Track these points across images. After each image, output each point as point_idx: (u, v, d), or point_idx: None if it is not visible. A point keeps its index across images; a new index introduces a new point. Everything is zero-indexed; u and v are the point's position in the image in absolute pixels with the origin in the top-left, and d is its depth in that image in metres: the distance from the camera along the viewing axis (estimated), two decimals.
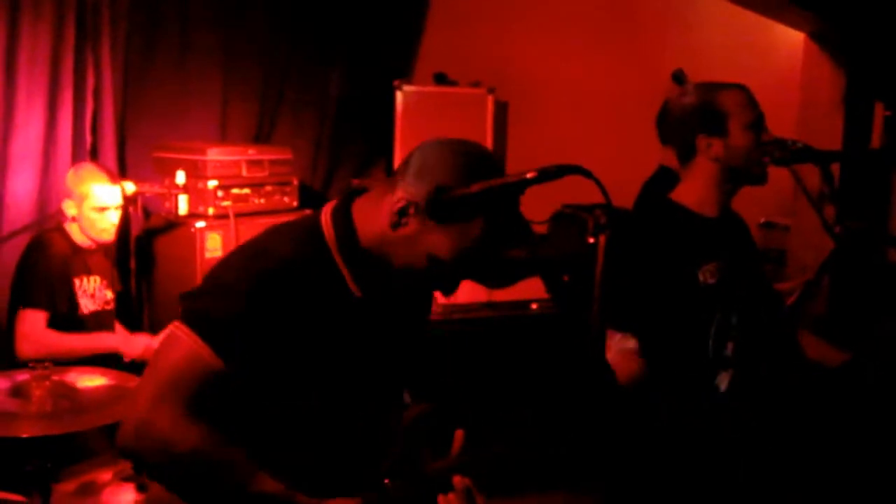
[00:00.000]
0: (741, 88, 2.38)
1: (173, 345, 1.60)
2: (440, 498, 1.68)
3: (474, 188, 1.57)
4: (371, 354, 1.74)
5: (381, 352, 1.77)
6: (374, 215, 1.67)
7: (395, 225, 1.63)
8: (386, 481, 1.70)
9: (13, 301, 3.42)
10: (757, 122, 2.36)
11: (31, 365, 2.63)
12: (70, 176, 3.52)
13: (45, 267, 3.37)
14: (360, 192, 1.74)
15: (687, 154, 2.40)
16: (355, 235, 1.68)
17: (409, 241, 1.63)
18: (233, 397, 1.63)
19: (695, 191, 2.40)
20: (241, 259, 1.67)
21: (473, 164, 1.62)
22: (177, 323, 1.62)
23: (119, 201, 3.50)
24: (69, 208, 3.46)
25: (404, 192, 1.62)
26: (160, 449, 1.56)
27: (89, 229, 3.46)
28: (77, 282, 3.47)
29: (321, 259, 1.67)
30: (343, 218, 1.69)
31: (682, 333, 2.29)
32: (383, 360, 1.78)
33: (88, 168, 3.56)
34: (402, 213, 1.62)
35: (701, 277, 2.31)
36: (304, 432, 1.69)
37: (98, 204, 3.43)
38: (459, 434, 1.81)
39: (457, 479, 1.69)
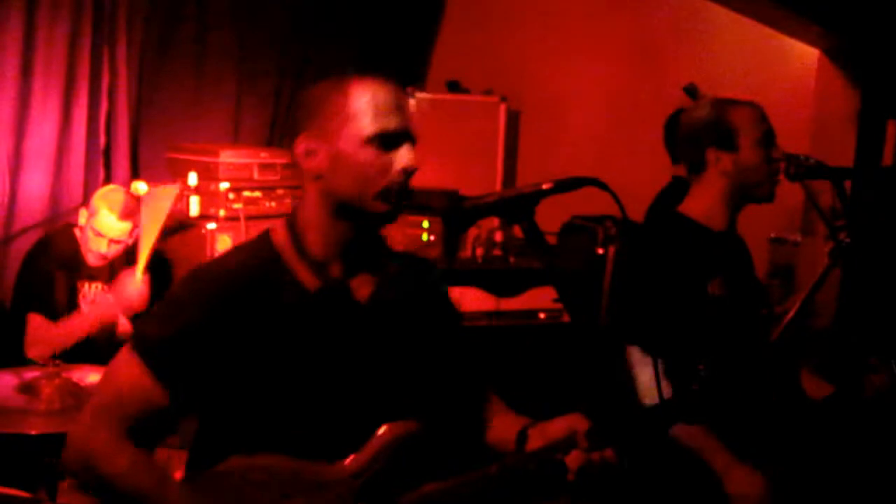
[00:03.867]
0: (752, 105, 2.41)
1: (119, 370, 1.59)
2: None
3: (490, 198, 1.57)
4: (344, 361, 1.63)
5: (357, 358, 1.64)
6: (307, 198, 1.65)
7: (307, 161, 1.60)
8: None
9: (16, 301, 3.43)
10: (766, 139, 2.37)
11: (41, 362, 2.64)
12: (99, 190, 3.52)
13: (47, 271, 3.37)
14: None
15: (696, 167, 2.42)
16: (301, 231, 1.64)
17: (336, 168, 1.59)
18: (206, 418, 1.62)
19: (703, 204, 2.42)
20: (186, 281, 1.64)
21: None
22: (127, 347, 1.60)
23: (121, 237, 3.41)
24: (81, 216, 3.46)
25: (298, 141, 1.61)
26: (88, 468, 1.57)
27: (83, 242, 3.44)
28: (80, 286, 3.47)
29: (270, 263, 1.63)
30: (291, 218, 1.67)
31: (693, 345, 2.29)
32: (360, 368, 1.64)
33: (114, 192, 3.49)
34: (308, 152, 1.59)
35: (710, 290, 2.32)
36: (270, 446, 1.59)
37: (97, 227, 3.38)
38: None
39: None
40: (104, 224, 3.37)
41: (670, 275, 2.30)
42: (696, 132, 2.41)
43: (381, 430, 1.60)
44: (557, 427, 1.64)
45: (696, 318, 2.29)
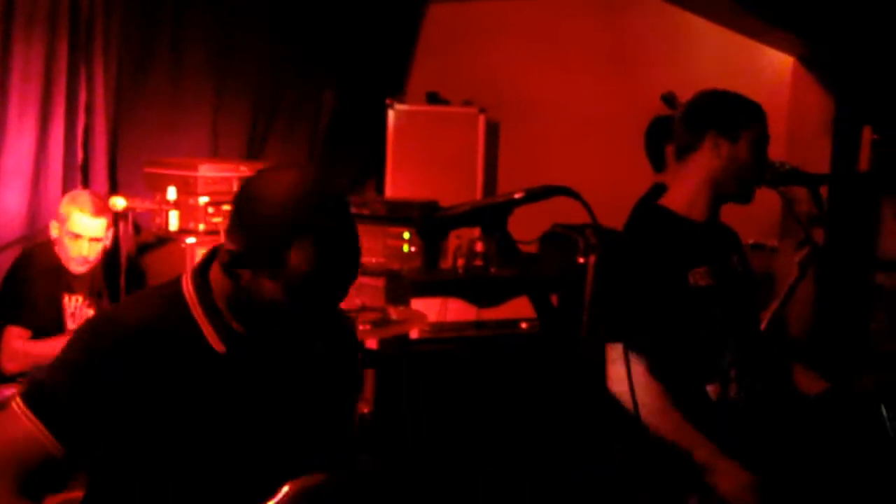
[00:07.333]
0: (760, 108, 2.43)
1: (10, 423, 1.50)
2: None
3: (463, 208, 1.56)
4: (248, 422, 1.58)
5: (262, 419, 1.59)
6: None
7: (230, 274, 1.52)
8: None
9: None
10: (763, 142, 2.40)
11: (19, 380, 2.62)
12: (64, 198, 3.52)
13: (30, 284, 3.37)
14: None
15: (689, 148, 2.41)
16: (210, 288, 1.58)
17: (248, 289, 1.52)
18: (99, 475, 1.55)
19: (683, 194, 2.42)
20: (85, 329, 1.57)
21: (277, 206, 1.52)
22: (17, 399, 1.52)
23: (98, 234, 3.41)
24: (53, 228, 3.45)
25: (227, 242, 1.53)
26: None
27: (62, 254, 3.43)
28: (61, 298, 3.46)
29: (178, 319, 1.56)
30: (201, 273, 1.60)
31: (674, 336, 2.30)
32: (265, 429, 1.59)
33: (79, 194, 3.52)
34: (231, 263, 1.51)
35: (691, 280, 2.33)
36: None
37: (73, 230, 3.37)
38: None
39: None
40: (79, 224, 3.38)
41: (648, 266, 2.30)
42: (702, 112, 2.41)
43: (286, 487, 1.53)
44: None
45: (677, 309, 2.29)
